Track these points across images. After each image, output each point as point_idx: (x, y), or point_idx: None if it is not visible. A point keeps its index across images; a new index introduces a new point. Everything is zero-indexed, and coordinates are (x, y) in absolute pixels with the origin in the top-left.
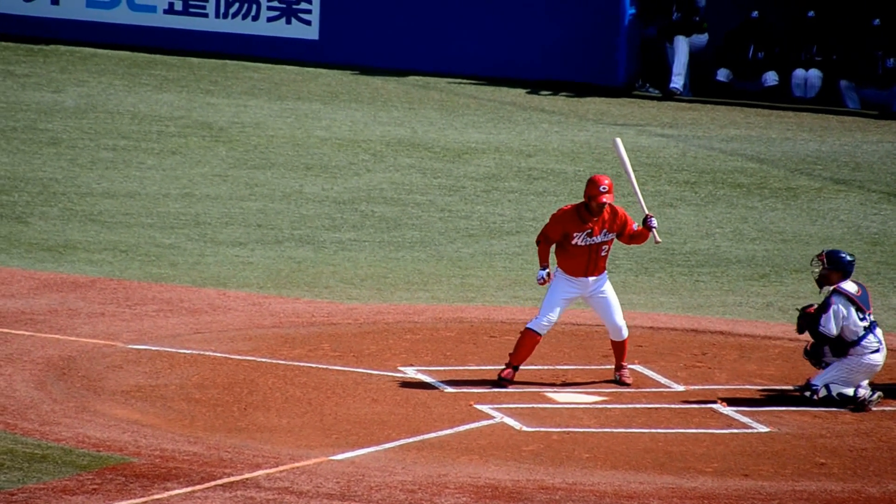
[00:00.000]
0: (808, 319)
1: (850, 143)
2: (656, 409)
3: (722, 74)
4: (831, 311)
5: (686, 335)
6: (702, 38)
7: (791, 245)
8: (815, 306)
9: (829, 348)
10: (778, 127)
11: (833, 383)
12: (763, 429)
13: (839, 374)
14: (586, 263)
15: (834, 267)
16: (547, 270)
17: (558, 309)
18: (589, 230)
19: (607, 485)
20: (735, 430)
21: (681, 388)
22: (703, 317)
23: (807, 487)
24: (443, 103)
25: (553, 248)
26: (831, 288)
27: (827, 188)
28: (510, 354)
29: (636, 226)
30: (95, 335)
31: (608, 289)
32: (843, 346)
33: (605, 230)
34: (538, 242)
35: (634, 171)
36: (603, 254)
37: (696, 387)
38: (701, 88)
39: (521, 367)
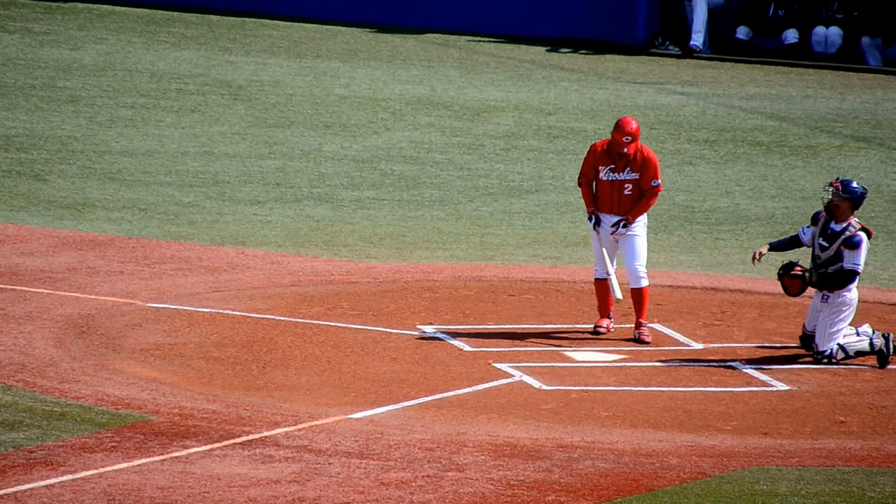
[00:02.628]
0: (835, 277)
1: (871, 100)
2: (675, 367)
3: (741, 32)
4: (863, 249)
5: (705, 293)
6: None
7: (811, 203)
8: (797, 264)
9: (825, 282)
10: (798, 84)
11: (841, 342)
12: (782, 387)
13: (836, 327)
14: (610, 199)
15: (848, 196)
16: (593, 218)
17: (604, 252)
18: (612, 165)
19: (626, 443)
20: (754, 389)
21: (700, 346)
22: (722, 275)
23: (826, 445)
24: (462, 61)
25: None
26: (856, 225)
27: (847, 146)
28: (598, 308)
29: (655, 183)
30: (114, 293)
31: (638, 232)
32: (850, 281)
33: (628, 168)
34: (580, 184)
35: (653, 129)
36: (626, 192)
37: (716, 345)
38: (721, 46)
39: (540, 326)
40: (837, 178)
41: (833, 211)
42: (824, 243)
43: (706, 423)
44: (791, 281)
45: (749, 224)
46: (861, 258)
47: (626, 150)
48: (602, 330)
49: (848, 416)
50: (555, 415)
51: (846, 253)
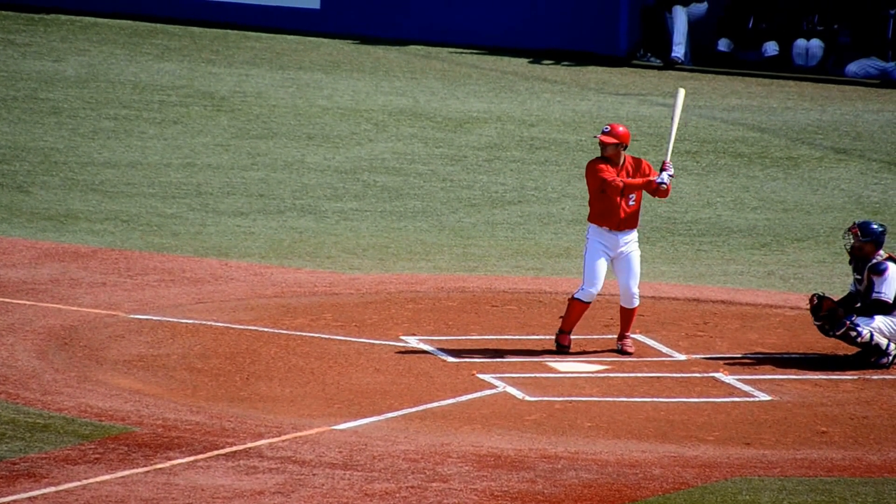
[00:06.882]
0: (868, 308)
1: (851, 112)
2: (658, 378)
3: (723, 44)
4: (887, 276)
5: (687, 304)
6: (700, 7)
7: (792, 214)
8: (826, 295)
9: (864, 313)
10: (779, 96)
11: (876, 332)
12: (764, 397)
13: (884, 327)
14: (615, 211)
15: (869, 238)
16: (666, 173)
17: (599, 273)
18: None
19: (609, 453)
20: (736, 399)
21: (682, 357)
22: (704, 286)
23: (808, 455)
24: (445, 73)
25: (588, 197)
26: (883, 255)
27: (828, 157)
28: (561, 318)
29: (657, 179)
30: (97, 305)
31: (634, 252)
32: (881, 310)
33: (625, 174)
34: (618, 188)
35: (636, 140)
36: (631, 203)
37: (698, 356)
38: (702, 58)
39: (523, 337)
40: (854, 224)
41: (857, 255)
42: (858, 276)
43: (689, 433)
44: (825, 312)
45: (731, 235)
46: (886, 286)
47: (600, 138)
48: (564, 344)
49: (830, 427)
50: (538, 425)
51: (875, 281)
